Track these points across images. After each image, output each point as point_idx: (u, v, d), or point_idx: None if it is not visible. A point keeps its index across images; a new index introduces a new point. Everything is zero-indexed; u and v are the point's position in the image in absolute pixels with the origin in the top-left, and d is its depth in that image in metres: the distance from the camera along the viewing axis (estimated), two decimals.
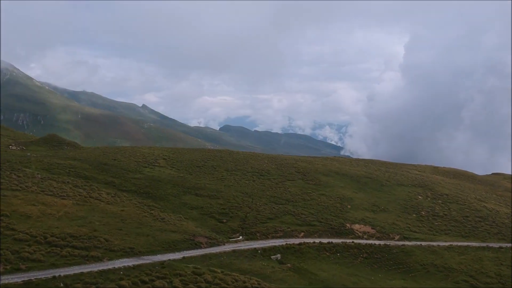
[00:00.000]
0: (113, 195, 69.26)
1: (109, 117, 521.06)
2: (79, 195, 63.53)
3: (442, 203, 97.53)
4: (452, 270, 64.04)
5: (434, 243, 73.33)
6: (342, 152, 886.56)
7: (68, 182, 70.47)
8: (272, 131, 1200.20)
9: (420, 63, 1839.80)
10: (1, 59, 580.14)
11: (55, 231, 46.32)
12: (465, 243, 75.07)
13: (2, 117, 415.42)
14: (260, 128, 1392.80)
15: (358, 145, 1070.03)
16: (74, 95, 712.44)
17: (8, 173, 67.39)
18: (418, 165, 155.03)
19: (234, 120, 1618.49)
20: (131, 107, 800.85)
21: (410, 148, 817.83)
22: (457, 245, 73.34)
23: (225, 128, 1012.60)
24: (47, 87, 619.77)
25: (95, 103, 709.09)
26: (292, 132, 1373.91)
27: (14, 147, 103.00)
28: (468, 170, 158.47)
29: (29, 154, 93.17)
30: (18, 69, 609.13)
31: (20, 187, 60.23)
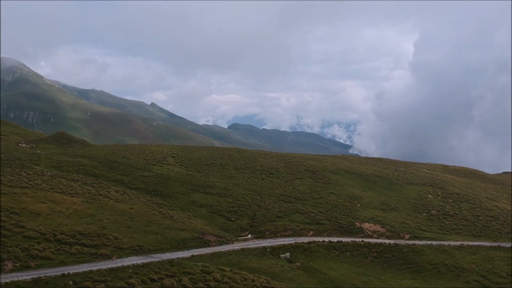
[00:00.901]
0: (122, 193, 69.37)
1: (118, 115, 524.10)
2: (88, 192, 63.68)
3: (452, 202, 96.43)
4: (463, 270, 63.24)
5: (445, 243, 72.48)
6: (350, 151, 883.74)
7: (77, 179, 70.71)
8: (280, 129, 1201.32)
9: (430, 61, 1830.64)
10: (11, 57, 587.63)
11: (64, 228, 46.41)
12: (476, 243, 74.10)
13: (12, 115, 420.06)
14: (268, 126, 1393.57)
15: (367, 144, 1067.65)
16: (83, 93, 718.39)
17: (18, 170, 67.83)
18: (427, 163, 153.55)
19: (242, 118, 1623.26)
20: (140, 105, 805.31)
21: (420, 147, 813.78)
22: (468, 245, 72.45)
23: (234, 126, 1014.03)
24: (56, 85, 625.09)
25: (104, 101, 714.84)
26: (300, 130, 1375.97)
27: (24, 145, 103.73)
28: (478, 169, 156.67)
29: (38, 151, 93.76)
30: (28, 67, 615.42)
31: (30, 184, 60.52)
